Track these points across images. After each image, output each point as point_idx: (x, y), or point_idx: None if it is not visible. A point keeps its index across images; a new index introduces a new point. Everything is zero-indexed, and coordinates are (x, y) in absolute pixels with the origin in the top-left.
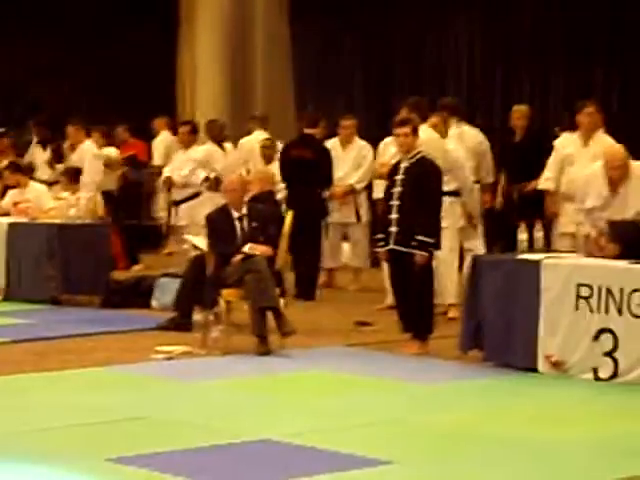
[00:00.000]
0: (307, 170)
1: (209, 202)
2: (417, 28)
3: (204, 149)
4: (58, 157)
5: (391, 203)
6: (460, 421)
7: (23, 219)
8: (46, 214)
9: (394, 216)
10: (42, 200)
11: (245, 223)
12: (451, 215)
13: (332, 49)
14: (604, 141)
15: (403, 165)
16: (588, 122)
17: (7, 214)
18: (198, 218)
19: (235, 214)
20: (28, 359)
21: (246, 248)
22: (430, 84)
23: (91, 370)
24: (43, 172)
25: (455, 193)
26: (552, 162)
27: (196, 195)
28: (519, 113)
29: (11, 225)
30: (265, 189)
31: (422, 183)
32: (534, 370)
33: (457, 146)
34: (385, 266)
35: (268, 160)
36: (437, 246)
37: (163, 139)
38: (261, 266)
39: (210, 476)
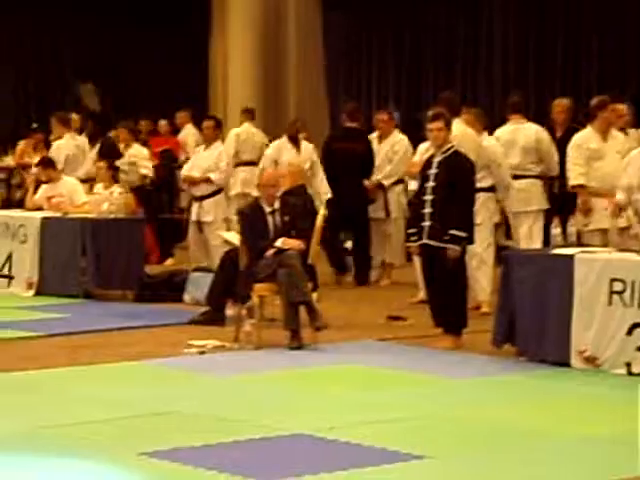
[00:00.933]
0: (354, 162)
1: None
2: (449, 21)
3: (275, 145)
4: (109, 153)
5: (424, 198)
6: (493, 416)
7: (56, 214)
8: (79, 209)
9: (427, 210)
10: (75, 195)
11: (277, 217)
12: (486, 211)
13: (363, 41)
14: (619, 136)
15: (436, 160)
16: (609, 117)
17: (40, 208)
18: (223, 214)
19: (267, 208)
20: (61, 353)
21: (278, 242)
22: (462, 78)
23: (124, 364)
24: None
25: (490, 189)
26: (578, 157)
27: (220, 190)
28: (560, 107)
29: (44, 220)
30: (297, 183)
31: (455, 177)
32: (567, 365)
33: (494, 142)
34: (417, 261)
35: None
36: (470, 240)
37: (192, 133)
38: (293, 260)
39: (243, 470)
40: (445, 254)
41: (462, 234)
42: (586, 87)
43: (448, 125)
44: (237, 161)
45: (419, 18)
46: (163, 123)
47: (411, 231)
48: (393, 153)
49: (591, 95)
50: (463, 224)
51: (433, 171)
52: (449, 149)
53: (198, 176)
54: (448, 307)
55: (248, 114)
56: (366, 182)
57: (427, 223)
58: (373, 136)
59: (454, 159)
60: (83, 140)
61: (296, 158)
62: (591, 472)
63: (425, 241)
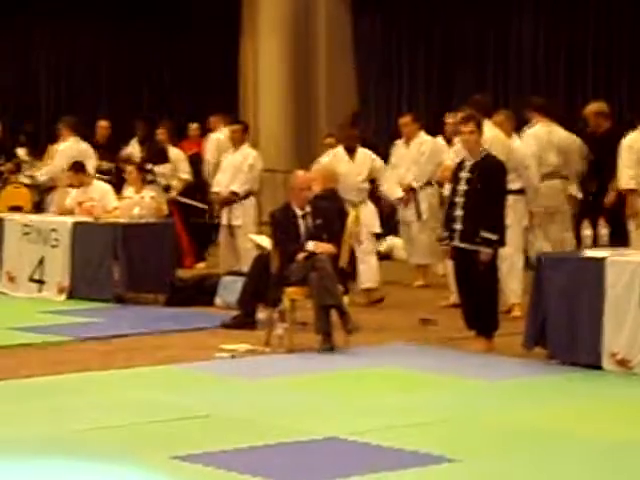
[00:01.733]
0: None
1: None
2: (479, 22)
3: (331, 154)
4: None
5: (456, 200)
6: (524, 419)
7: (87, 218)
8: (110, 213)
9: (459, 213)
10: (106, 199)
11: (309, 221)
12: (515, 213)
13: (393, 43)
14: None
15: (468, 163)
16: None
17: (71, 213)
18: (253, 217)
19: (299, 212)
20: (93, 357)
21: (310, 246)
22: (493, 80)
23: (156, 368)
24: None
25: (519, 191)
26: (628, 160)
27: (249, 194)
28: (596, 110)
29: (75, 224)
30: (328, 186)
31: (488, 180)
32: (599, 368)
33: (524, 145)
34: (449, 263)
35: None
36: (502, 243)
37: (216, 137)
38: (325, 264)
39: (276, 474)
40: (477, 257)
41: (494, 237)
42: (617, 90)
43: (479, 127)
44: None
45: (449, 20)
46: (194, 127)
47: (443, 234)
48: (420, 155)
49: (622, 98)
50: (495, 226)
51: (465, 174)
52: (481, 152)
53: (225, 195)
54: (480, 310)
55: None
56: (398, 187)
57: (459, 226)
58: (400, 142)
59: (486, 162)
60: (87, 146)
61: (352, 169)
62: (622, 474)
63: (457, 244)
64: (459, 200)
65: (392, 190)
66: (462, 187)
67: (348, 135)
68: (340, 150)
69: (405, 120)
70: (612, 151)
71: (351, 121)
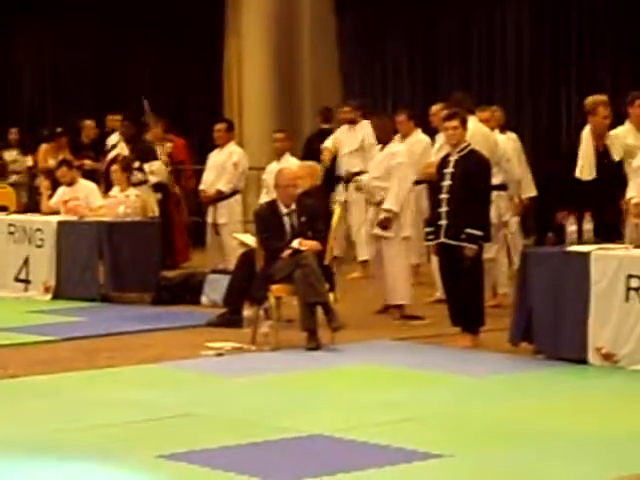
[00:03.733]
0: None
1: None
2: (463, 19)
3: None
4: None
5: (441, 196)
6: (511, 414)
7: (72, 217)
8: (96, 212)
9: (444, 209)
10: (91, 198)
11: (294, 218)
12: (495, 209)
13: (378, 44)
14: None
15: (452, 158)
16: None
17: (57, 212)
18: (238, 215)
19: (284, 210)
20: (79, 356)
21: (295, 243)
22: (478, 77)
23: (142, 367)
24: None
25: (501, 187)
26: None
27: (235, 192)
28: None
29: (60, 223)
30: (314, 184)
31: (472, 176)
32: (584, 362)
33: (505, 139)
34: (434, 259)
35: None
36: (487, 239)
37: None
38: (310, 261)
39: (261, 472)
40: (462, 253)
41: (479, 232)
42: (601, 86)
43: (464, 124)
44: None
45: (433, 16)
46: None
47: (427, 230)
48: (411, 154)
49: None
50: (479, 222)
51: (449, 170)
52: (465, 148)
53: (210, 193)
54: (465, 306)
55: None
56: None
57: (444, 222)
58: (396, 138)
59: (470, 158)
60: None
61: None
62: (609, 469)
63: (442, 240)
64: (444, 196)
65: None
66: (447, 183)
67: (386, 128)
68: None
69: (400, 118)
70: None
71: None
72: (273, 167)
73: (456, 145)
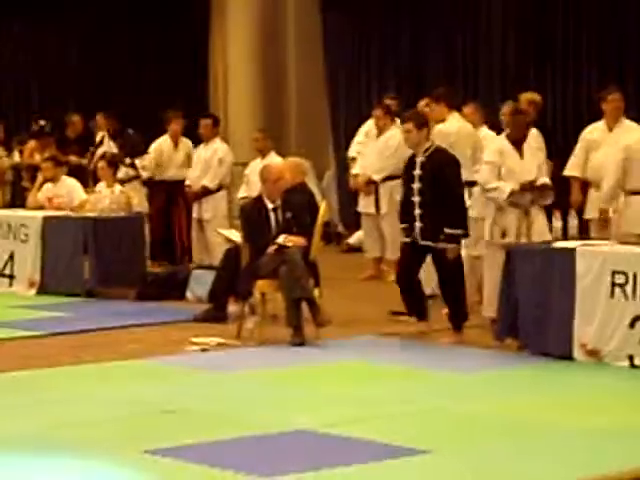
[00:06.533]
0: None
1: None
2: (449, 19)
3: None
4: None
5: (412, 199)
6: (496, 410)
7: (58, 213)
8: (81, 208)
9: (417, 212)
10: (74, 193)
11: (279, 214)
12: (482, 205)
13: (364, 42)
14: (629, 127)
15: (419, 160)
16: (612, 109)
17: (42, 207)
18: (223, 211)
19: (269, 205)
20: (64, 352)
21: (280, 239)
22: (463, 75)
23: (126, 362)
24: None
25: None
26: (578, 149)
27: (220, 188)
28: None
29: (45, 219)
30: (298, 180)
31: (440, 175)
32: (570, 358)
33: (490, 135)
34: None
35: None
36: (466, 235)
37: None
38: (295, 257)
39: (245, 467)
40: (442, 253)
41: (457, 231)
42: (587, 80)
43: (420, 126)
44: None
45: (418, 12)
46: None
47: (402, 227)
48: (385, 148)
49: (591, 88)
50: (456, 220)
51: (417, 172)
52: (429, 148)
53: (196, 189)
54: (448, 303)
55: None
56: (358, 179)
57: (419, 224)
58: (372, 132)
59: (436, 157)
60: None
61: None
62: (594, 464)
63: (421, 242)
64: (416, 199)
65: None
66: (416, 185)
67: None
68: (507, 144)
69: (377, 112)
70: None
71: None
72: (256, 163)
73: (414, 147)
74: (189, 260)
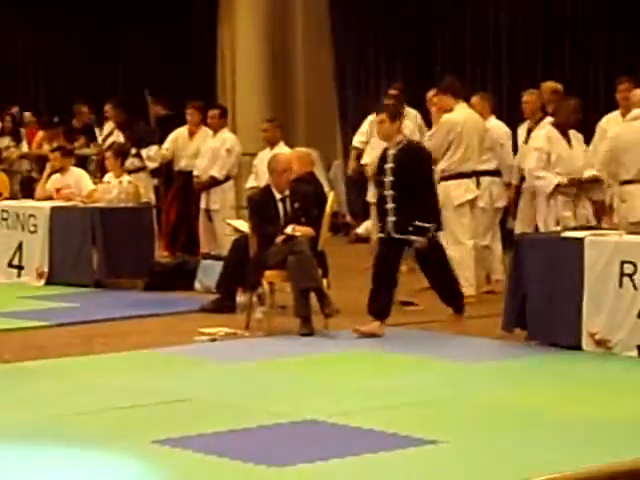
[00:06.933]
0: None
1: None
2: (456, 12)
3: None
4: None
5: (385, 193)
6: (505, 400)
7: (66, 203)
8: (89, 198)
9: (390, 206)
10: (82, 184)
11: (287, 204)
12: (488, 195)
13: (371, 27)
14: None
15: (391, 152)
16: (622, 98)
17: (50, 198)
18: (231, 201)
19: (277, 195)
20: (73, 342)
21: (288, 229)
22: (471, 64)
23: (135, 353)
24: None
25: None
26: (596, 139)
27: (228, 179)
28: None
29: (53, 209)
30: (306, 170)
31: (414, 168)
32: (578, 348)
33: (498, 125)
34: None
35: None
36: (439, 229)
37: None
38: (303, 247)
39: (254, 457)
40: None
41: (427, 225)
42: (596, 69)
43: (393, 118)
44: None
45: (427, 5)
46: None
47: (379, 225)
48: None
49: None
50: (430, 214)
51: (390, 165)
52: (401, 141)
53: (204, 179)
54: (440, 292)
55: None
56: (368, 169)
57: (392, 218)
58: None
59: (408, 150)
60: None
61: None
62: (603, 454)
63: (394, 236)
64: (388, 193)
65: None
66: (388, 179)
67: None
68: (554, 131)
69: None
70: None
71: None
72: (265, 154)
73: (386, 139)
74: (197, 250)
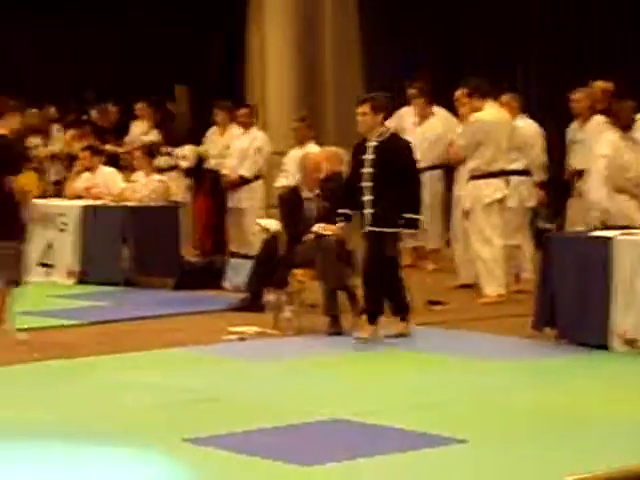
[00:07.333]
0: None
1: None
2: (488, 9)
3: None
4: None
5: (362, 185)
6: (533, 399)
7: (96, 202)
8: (120, 196)
9: (367, 198)
10: (112, 183)
11: (317, 203)
12: (518, 194)
13: (400, 32)
14: None
15: (371, 144)
16: None
17: (80, 196)
18: (260, 200)
19: (307, 194)
20: (103, 341)
21: (318, 228)
22: (501, 63)
23: (165, 351)
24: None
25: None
26: None
27: (257, 177)
28: None
29: (84, 208)
30: (335, 169)
31: (396, 160)
32: (607, 348)
33: (528, 124)
34: (456, 246)
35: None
36: (416, 223)
37: None
38: (332, 246)
39: (284, 456)
40: (384, 242)
41: (416, 216)
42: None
43: (375, 109)
44: None
45: (456, 8)
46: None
47: (340, 212)
48: (424, 140)
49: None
50: (417, 206)
51: (369, 156)
52: (384, 133)
53: (233, 178)
54: (390, 294)
55: None
56: None
57: (370, 210)
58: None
59: (391, 142)
60: None
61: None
62: (632, 454)
63: (371, 229)
64: (366, 184)
65: None
66: (367, 170)
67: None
68: (618, 135)
69: (417, 102)
70: None
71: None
72: (295, 152)
73: (367, 131)
74: (225, 249)
